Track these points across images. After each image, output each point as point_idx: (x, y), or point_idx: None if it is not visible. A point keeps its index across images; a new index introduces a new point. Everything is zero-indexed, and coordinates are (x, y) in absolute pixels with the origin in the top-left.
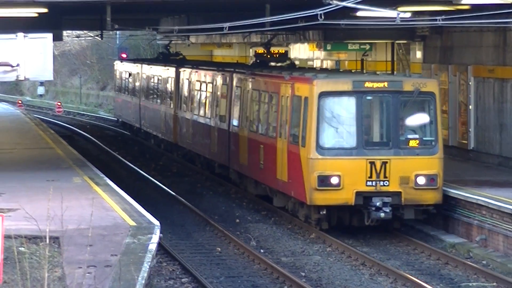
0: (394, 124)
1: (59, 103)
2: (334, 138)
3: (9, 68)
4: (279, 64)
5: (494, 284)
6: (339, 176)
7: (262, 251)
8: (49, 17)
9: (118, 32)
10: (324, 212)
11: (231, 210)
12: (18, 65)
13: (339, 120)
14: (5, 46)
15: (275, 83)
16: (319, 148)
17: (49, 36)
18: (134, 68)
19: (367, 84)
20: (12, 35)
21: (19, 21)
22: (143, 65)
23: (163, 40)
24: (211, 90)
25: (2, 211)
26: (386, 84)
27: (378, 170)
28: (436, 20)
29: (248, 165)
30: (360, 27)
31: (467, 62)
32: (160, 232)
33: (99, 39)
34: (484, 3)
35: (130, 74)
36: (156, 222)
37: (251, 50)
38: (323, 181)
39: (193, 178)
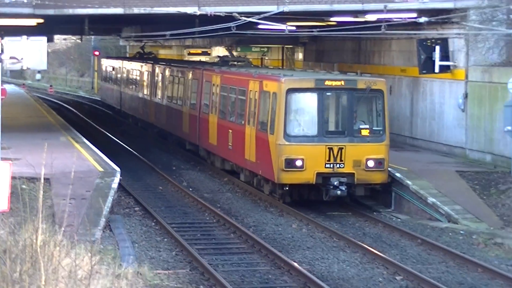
0: (349, 116)
1: (51, 86)
2: (298, 128)
3: (15, 61)
4: (239, 63)
5: (349, 213)
6: (302, 159)
7: (190, 189)
8: (44, 26)
9: (93, 36)
10: (287, 189)
11: (170, 161)
12: (22, 58)
13: (303, 112)
14: (13, 45)
15: (244, 80)
16: (286, 135)
17: (44, 39)
18: (117, 63)
19: (327, 82)
20: (18, 38)
21: (23, 28)
22: (124, 61)
23: (124, 43)
24: (183, 83)
25: (10, 160)
26: (343, 82)
27: (335, 155)
28: (313, 31)
29: (217, 145)
30: (260, 36)
31: (334, 61)
32: (120, 176)
33: (80, 41)
34: (345, 21)
35: (113, 68)
36: (117, 169)
37: (185, 50)
38: (289, 163)
39: (144, 139)
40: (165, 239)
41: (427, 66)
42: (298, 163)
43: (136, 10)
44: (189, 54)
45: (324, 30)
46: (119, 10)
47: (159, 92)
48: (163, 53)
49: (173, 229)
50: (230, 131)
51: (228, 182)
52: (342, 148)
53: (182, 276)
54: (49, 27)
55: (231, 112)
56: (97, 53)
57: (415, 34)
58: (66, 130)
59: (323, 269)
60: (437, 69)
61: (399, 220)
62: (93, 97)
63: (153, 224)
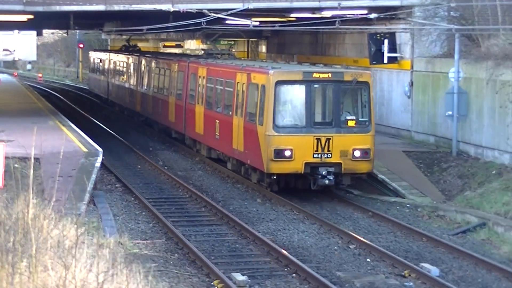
0: (336, 107)
1: (40, 75)
2: (287, 119)
3: (8, 52)
4: (223, 56)
5: (307, 189)
6: (291, 149)
7: (166, 168)
8: (34, 21)
9: (77, 30)
10: (275, 177)
11: (147, 142)
12: (14, 50)
13: (292, 104)
14: (6, 38)
15: (231, 72)
16: (275, 126)
17: (34, 33)
18: (104, 55)
19: (315, 75)
20: (11, 32)
21: (15, 23)
22: (111, 54)
23: (106, 37)
24: (168, 74)
25: (3, 141)
26: (330, 75)
27: (323, 145)
28: (274, 26)
29: (204, 135)
30: (228, 30)
31: (293, 52)
32: (102, 156)
33: (66, 35)
34: (304, 17)
35: (101, 60)
36: (100, 150)
37: (160, 43)
38: (278, 153)
39: (124, 123)
40: (143, 212)
41: (377, 58)
42: (287, 153)
43: (116, 7)
44: (164, 46)
45: (284, 25)
46: (101, 7)
47: (145, 83)
48: (140, 45)
49: (150, 203)
50: (217, 121)
51: (199, 161)
52: (330, 138)
53: (159, 245)
54: (38, 22)
55: (218, 103)
56: (81, 45)
57: (366, 28)
58: (54, 115)
59: (284, 239)
60: (385, 60)
61: (352, 195)
62: (78, 85)
63: (133, 199)
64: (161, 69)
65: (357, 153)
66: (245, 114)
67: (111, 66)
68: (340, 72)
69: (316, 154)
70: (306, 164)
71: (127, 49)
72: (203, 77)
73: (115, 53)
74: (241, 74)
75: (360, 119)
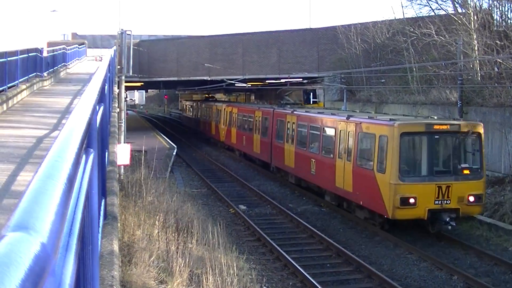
0: (454, 156)
1: (146, 111)
2: (411, 167)
3: (131, 100)
4: (295, 105)
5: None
6: (415, 197)
7: (207, 155)
8: (144, 85)
9: (164, 89)
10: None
11: (199, 142)
12: (134, 99)
13: (415, 154)
14: (131, 94)
15: (332, 121)
16: (400, 175)
17: (143, 91)
18: (191, 102)
19: (436, 127)
20: (133, 90)
21: (135, 86)
22: (197, 101)
23: (178, 92)
24: (252, 118)
25: (130, 143)
26: (448, 126)
27: (443, 192)
28: (258, 86)
29: (295, 168)
30: (237, 88)
31: (267, 99)
32: (176, 149)
33: (158, 91)
34: (272, 82)
35: (190, 105)
36: (175, 146)
37: (205, 95)
38: (404, 201)
39: (190, 135)
40: (196, 177)
41: (307, 101)
42: (411, 200)
43: (183, 78)
44: (206, 96)
45: (263, 85)
46: (175, 78)
47: (226, 121)
48: (195, 97)
49: (199, 171)
50: (313, 160)
51: (223, 152)
52: (450, 186)
53: (204, 192)
54: (146, 86)
55: (312, 145)
56: (166, 97)
57: (302, 87)
58: (153, 130)
59: (263, 188)
60: (311, 102)
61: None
62: (166, 115)
63: (191, 170)
64: (245, 115)
65: (472, 198)
66: (355, 159)
67: (196, 108)
68: (457, 124)
69: (437, 200)
70: (429, 210)
71: (207, 100)
72: (293, 122)
73: (199, 101)
74: (346, 124)
75: (473, 166)
